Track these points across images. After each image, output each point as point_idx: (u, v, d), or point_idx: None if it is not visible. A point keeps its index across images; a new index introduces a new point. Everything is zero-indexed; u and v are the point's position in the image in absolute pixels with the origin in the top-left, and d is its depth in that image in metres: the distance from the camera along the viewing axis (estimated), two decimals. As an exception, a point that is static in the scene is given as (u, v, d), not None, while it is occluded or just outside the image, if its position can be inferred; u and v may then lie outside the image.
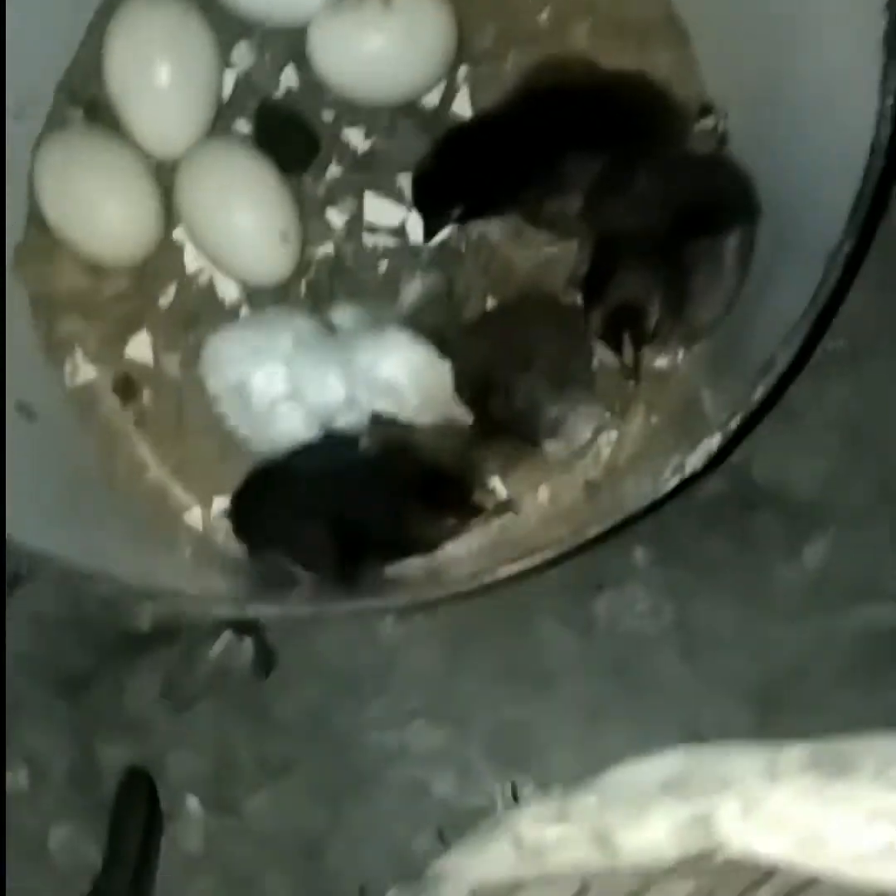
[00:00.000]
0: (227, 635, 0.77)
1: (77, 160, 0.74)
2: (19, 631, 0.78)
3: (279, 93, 0.77)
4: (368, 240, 0.76)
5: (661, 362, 0.75)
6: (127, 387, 0.77)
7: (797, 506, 0.78)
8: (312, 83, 0.75)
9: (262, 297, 0.76)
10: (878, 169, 0.55)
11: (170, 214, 0.76)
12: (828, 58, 0.61)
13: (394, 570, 0.69)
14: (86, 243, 0.75)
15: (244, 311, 0.77)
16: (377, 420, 0.70)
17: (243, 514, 0.73)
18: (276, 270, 0.74)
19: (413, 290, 0.75)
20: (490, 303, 0.75)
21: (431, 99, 0.76)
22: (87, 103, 0.77)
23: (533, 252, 0.75)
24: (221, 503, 0.76)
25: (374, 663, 0.79)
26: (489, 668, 0.78)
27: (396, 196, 0.76)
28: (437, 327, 0.73)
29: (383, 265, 0.76)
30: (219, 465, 0.76)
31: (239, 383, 0.71)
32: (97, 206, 0.74)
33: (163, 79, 0.73)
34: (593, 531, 0.57)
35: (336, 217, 0.76)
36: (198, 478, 0.76)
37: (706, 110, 0.74)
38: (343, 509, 0.68)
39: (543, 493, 0.74)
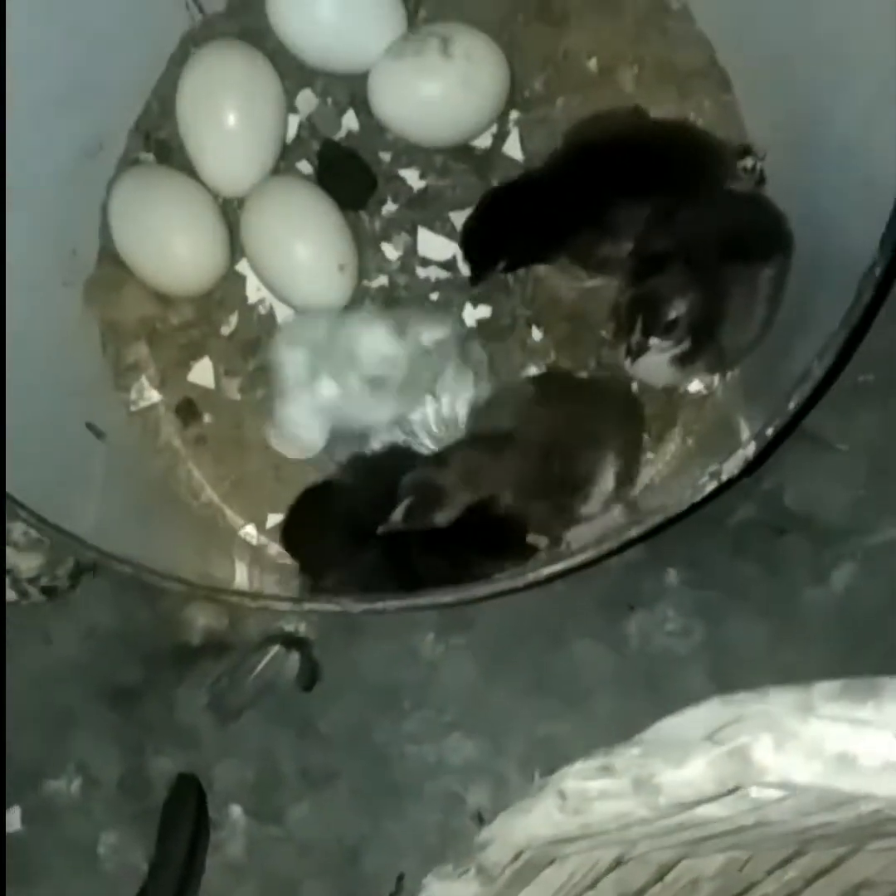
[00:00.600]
0: (274, 649, 0.79)
1: (149, 197, 0.79)
2: (74, 643, 0.82)
3: (340, 135, 0.81)
4: (421, 272, 0.80)
5: (698, 387, 0.78)
6: (188, 410, 0.81)
7: (826, 531, 0.80)
8: (371, 126, 0.80)
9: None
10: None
11: (234, 248, 0.80)
12: (859, 102, 0.64)
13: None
14: (155, 275, 0.79)
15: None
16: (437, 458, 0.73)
17: (297, 531, 0.76)
18: (333, 300, 0.78)
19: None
20: (535, 332, 0.79)
21: (484, 141, 0.80)
22: (159, 144, 0.82)
23: (577, 284, 0.79)
24: (275, 520, 0.79)
25: (413, 678, 0.81)
26: (524, 684, 0.80)
27: (448, 232, 0.80)
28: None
29: (435, 296, 0.80)
30: (273, 484, 0.79)
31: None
32: (167, 241, 0.78)
33: (231, 122, 0.77)
34: (635, 531, 0.59)
35: (391, 251, 0.80)
36: (253, 496, 0.80)
37: (746, 151, 0.77)
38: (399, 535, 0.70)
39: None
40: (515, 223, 0.74)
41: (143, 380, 0.81)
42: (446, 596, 0.61)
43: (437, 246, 0.80)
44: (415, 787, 0.79)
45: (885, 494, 0.80)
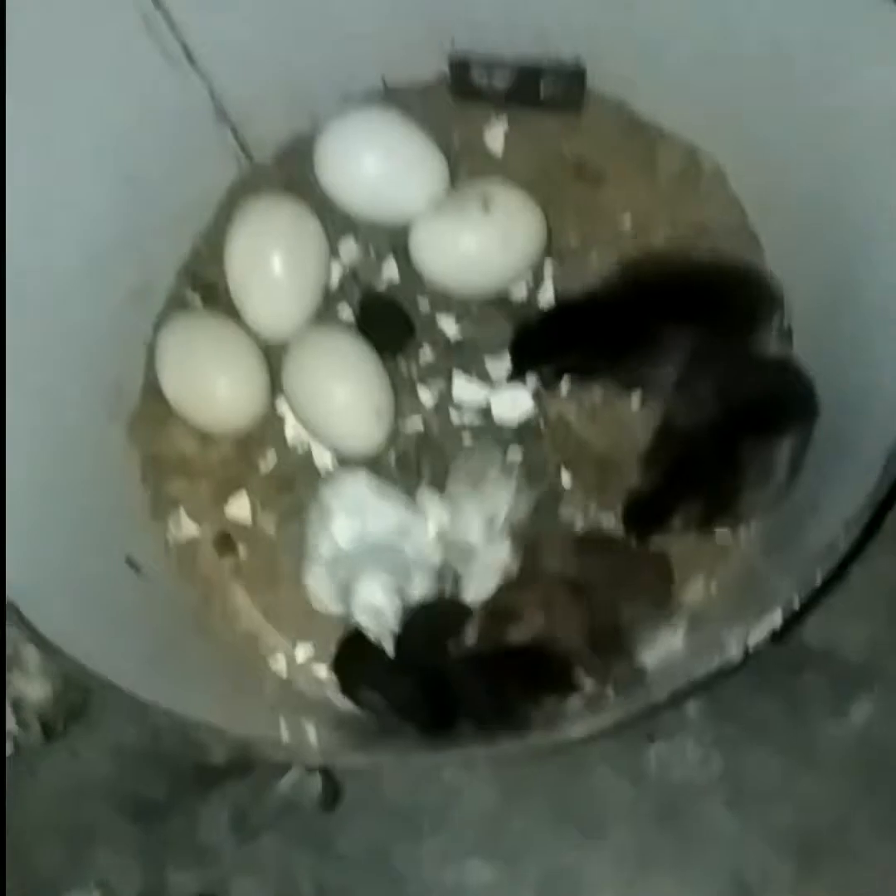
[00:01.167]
0: (296, 770, 0.80)
1: (195, 340, 0.81)
2: (100, 760, 0.83)
3: (380, 283, 0.84)
4: (455, 416, 0.82)
5: (722, 535, 0.79)
6: (225, 542, 0.83)
7: (844, 667, 0.81)
8: (411, 275, 0.82)
9: (355, 466, 0.81)
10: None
11: (274, 388, 0.82)
12: (887, 278, 0.66)
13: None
14: (197, 414, 0.82)
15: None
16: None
17: (348, 663, 0.76)
18: (369, 443, 0.80)
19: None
20: (564, 476, 0.81)
21: (519, 290, 0.82)
22: (206, 286, 0.84)
23: (606, 431, 0.80)
24: (306, 650, 0.80)
25: (434, 802, 0.82)
26: (543, 812, 0.81)
27: (483, 378, 0.82)
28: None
29: (467, 439, 0.82)
30: (306, 615, 0.80)
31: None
32: (210, 383, 0.81)
33: (277, 271, 0.80)
34: (663, 694, 0.60)
35: (426, 395, 0.82)
36: (286, 627, 0.81)
37: (777, 301, 0.78)
38: (446, 675, 0.71)
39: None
40: (568, 333, 0.77)
41: (182, 512, 0.83)
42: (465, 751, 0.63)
43: (471, 391, 0.82)
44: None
45: (903, 630, 0.82)
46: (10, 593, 0.62)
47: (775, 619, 0.60)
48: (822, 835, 0.79)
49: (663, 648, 0.72)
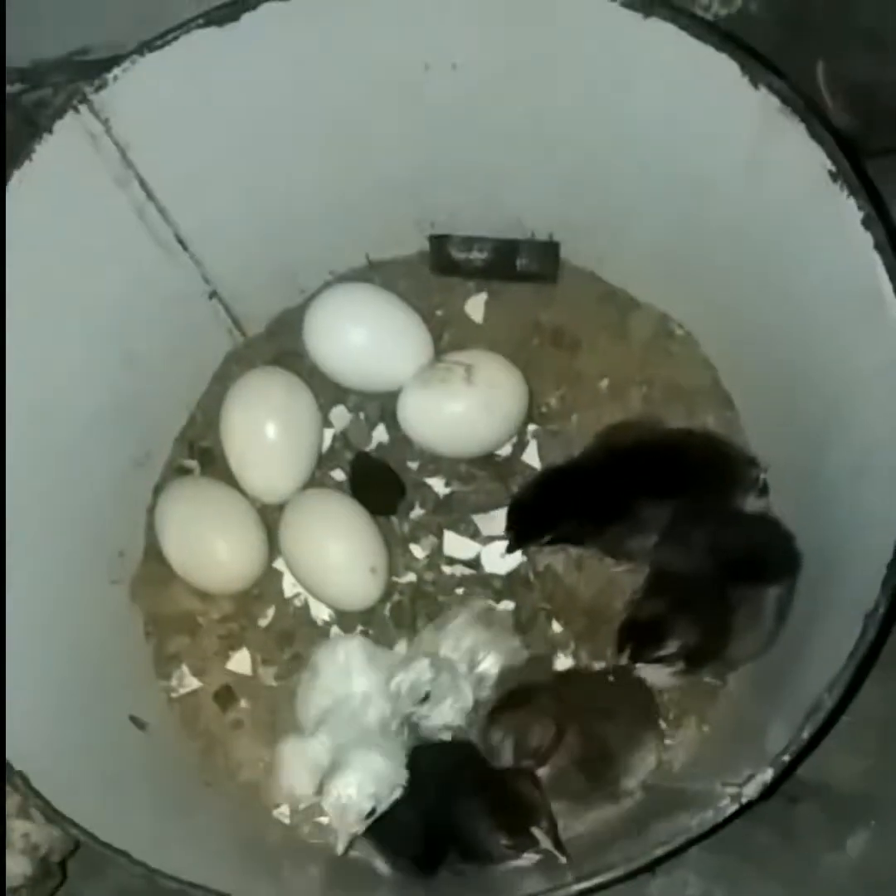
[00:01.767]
0: None
1: (194, 505, 0.85)
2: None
3: (371, 446, 0.87)
4: (447, 570, 0.85)
5: (712, 678, 0.81)
6: (227, 696, 0.85)
7: (839, 799, 0.83)
8: (400, 438, 0.86)
9: (352, 619, 0.85)
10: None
11: (272, 547, 0.85)
12: (861, 430, 0.69)
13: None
14: (197, 575, 0.85)
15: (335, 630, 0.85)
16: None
17: None
18: (365, 598, 0.83)
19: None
20: (555, 625, 0.83)
21: (504, 450, 0.86)
22: (203, 452, 0.88)
23: (593, 581, 0.84)
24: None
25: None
26: None
27: (472, 533, 0.85)
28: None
29: (459, 591, 0.85)
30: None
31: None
32: (209, 545, 0.84)
33: (271, 437, 0.84)
34: (657, 853, 0.63)
35: (419, 551, 0.86)
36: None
37: (750, 463, 0.83)
38: (434, 812, 0.74)
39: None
40: (560, 506, 0.80)
41: (184, 668, 0.85)
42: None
43: (461, 546, 0.85)
44: None
45: (893, 763, 0.83)
46: (17, 761, 0.64)
47: (767, 776, 0.63)
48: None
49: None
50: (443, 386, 0.82)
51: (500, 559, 0.84)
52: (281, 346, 0.88)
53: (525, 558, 0.85)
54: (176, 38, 0.68)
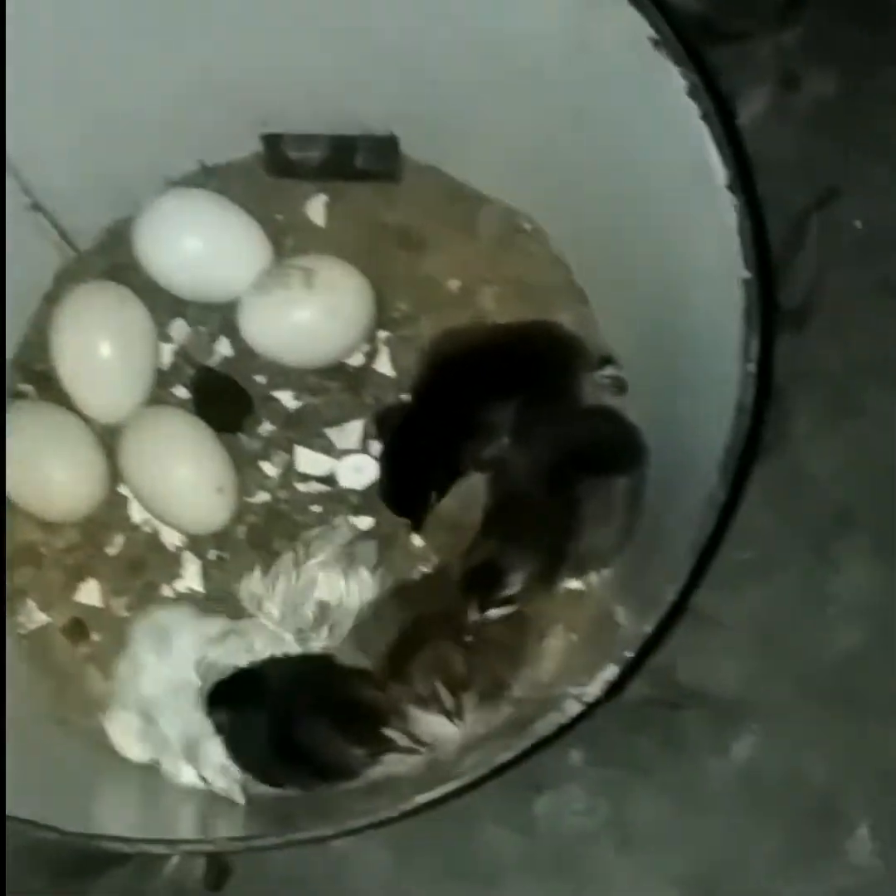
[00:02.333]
0: (179, 853, 0.78)
1: (28, 430, 0.80)
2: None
3: (214, 361, 0.84)
4: (301, 487, 0.82)
5: (575, 583, 0.79)
6: (77, 630, 0.81)
7: (721, 705, 0.82)
8: (244, 351, 0.82)
9: (204, 543, 0.82)
10: (745, 427, 0.60)
11: (115, 472, 0.82)
12: (704, 322, 0.67)
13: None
14: (38, 503, 0.81)
15: (188, 555, 0.82)
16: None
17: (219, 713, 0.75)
18: (214, 520, 0.80)
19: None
20: (416, 539, 0.81)
21: (355, 359, 0.83)
22: (38, 375, 0.83)
23: (455, 494, 0.79)
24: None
25: (325, 871, 0.81)
26: (436, 871, 0.81)
27: (325, 448, 0.82)
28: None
29: (316, 508, 0.82)
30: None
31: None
32: (47, 470, 0.80)
33: (105, 355, 0.80)
34: (500, 759, 0.61)
35: (270, 469, 0.82)
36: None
37: (606, 361, 0.81)
38: (289, 728, 0.71)
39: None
40: (419, 464, 0.77)
41: (30, 603, 0.82)
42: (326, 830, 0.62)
43: (314, 461, 0.82)
44: None
45: (775, 665, 0.83)
46: None
47: (610, 673, 0.61)
48: (716, 874, 0.80)
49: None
50: (282, 292, 0.78)
51: (355, 473, 0.82)
52: (114, 259, 0.84)
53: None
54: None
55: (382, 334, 0.83)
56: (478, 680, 0.72)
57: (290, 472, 0.82)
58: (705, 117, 0.61)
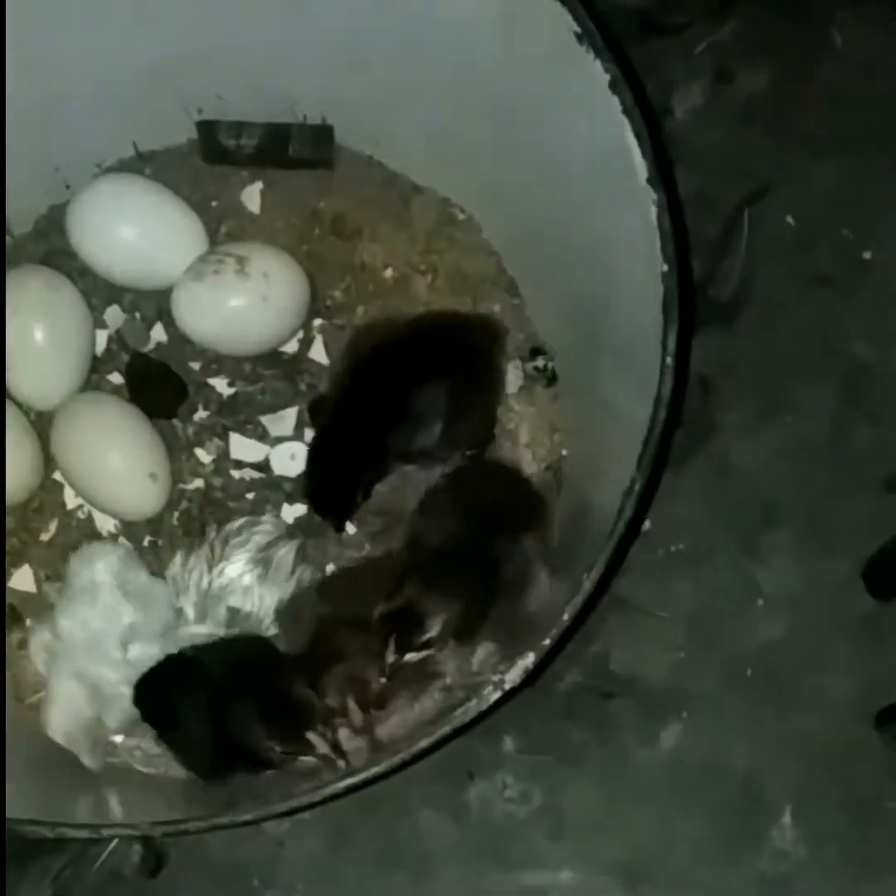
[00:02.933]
0: (115, 839, 0.79)
1: (-41, 414, 0.80)
2: None
3: (149, 347, 0.84)
4: (236, 474, 0.83)
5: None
6: (10, 615, 0.81)
7: (651, 693, 0.84)
8: (180, 339, 0.83)
9: (138, 529, 0.82)
10: (662, 419, 0.61)
11: (49, 458, 0.82)
12: (627, 314, 0.68)
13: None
14: (-32, 489, 0.80)
15: (122, 541, 0.82)
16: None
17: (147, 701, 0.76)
18: (147, 506, 0.80)
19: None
20: (349, 527, 0.81)
21: (291, 346, 0.84)
22: (-28, 361, 0.83)
23: (386, 481, 0.80)
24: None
25: (261, 856, 0.82)
26: (371, 857, 0.82)
27: (259, 435, 0.83)
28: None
29: (250, 495, 0.82)
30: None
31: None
32: (-24, 456, 0.80)
33: (38, 340, 0.80)
34: (421, 745, 0.62)
35: (204, 455, 0.83)
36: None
37: (537, 351, 0.83)
38: (221, 715, 0.71)
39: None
40: (344, 465, 0.77)
41: (-38, 591, 0.82)
42: (247, 815, 0.62)
43: (249, 448, 0.83)
44: None
45: (704, 656, 0.84)
46: None
47: (528, 661, 0.62)
48: (644, 859, 0.82)
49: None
50: (215, 278, 0.78)
51: (289, 460, 0.82)
52: (50, 245, 0.84)
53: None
54: None
55: (317, 322, 0.84)
56: (394, 694, 0.72)
57: (224, 459, 0.83)
58: (626, 111, 0.61)
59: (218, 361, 0.83)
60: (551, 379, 0.82)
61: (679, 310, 0.61)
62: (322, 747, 0.68)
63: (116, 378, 0.84)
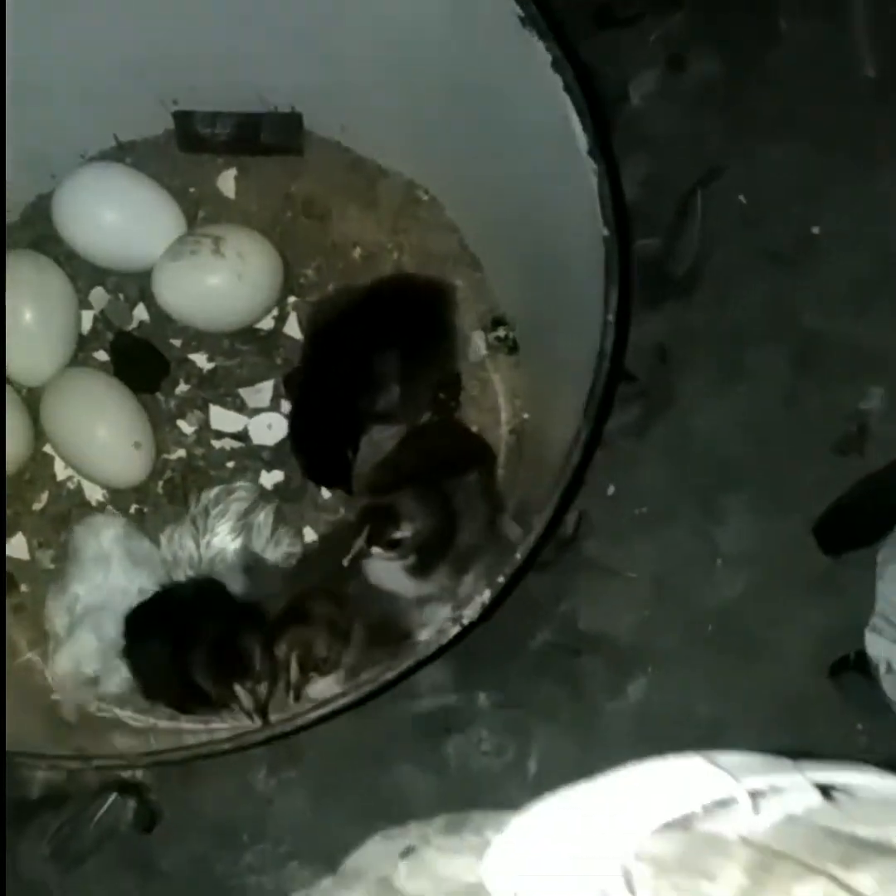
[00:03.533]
0: (111, 797, 0.84)
1: (-46, 392, 0.84)
2: None
3: (132, 326, 0.88)
4: (216, 443, 0.87)
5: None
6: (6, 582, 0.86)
7: (619, 650, 0.88)
8: (161, 316, 0.87)
9: (125, 497, 0.86)
10: (605, 370, 0.66)
11: (39, 432, 0.86)
12: (576, 281, 0.72)
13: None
14: (-38, 462, 0.85)
15: (110, 509, 0.87)
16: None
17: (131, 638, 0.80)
18: (133, 475, 0.85)
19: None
20: (324, 492, 0.86)
21: (267, 323, 0.88)
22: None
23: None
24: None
25: (249, 813, 0.86)
26: (354, 810, 0.85)
27: (238, 407, 0.87)
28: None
29: (231, 464, 0.87)
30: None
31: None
32: (-31, 430, 0.84)
33: (27, 319, 0.84)
34: (387, 676, 0.66)
35: (186, 426, 0.87)
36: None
37: (498, 322, 0.87)
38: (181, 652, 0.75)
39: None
40: (326, 435, 0.82)
41: (-41, 558, 0.86)
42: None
43: (229, 419, 0.87)
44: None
45: (667, 613, 0.88)
46: None
47: (485, 597, 0.66)
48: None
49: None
50: (192, 258, 0.83)
51: (267, 430, 0.87)
52: (37, 232, 0.88)
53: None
54: None
55: (291, 300, 0.88)
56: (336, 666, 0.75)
57: (205, 430, 0.87)
58: (567, 88, 0.66)
59: (198, 338, 0.88)
60: (512, 348, 0.86)
61: (619, 271, 0.66)
62: (245, 701, 0.71)
63: (102, 355, 0.88)
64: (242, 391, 0.87)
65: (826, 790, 0.32)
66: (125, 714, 0.82)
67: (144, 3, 0.78)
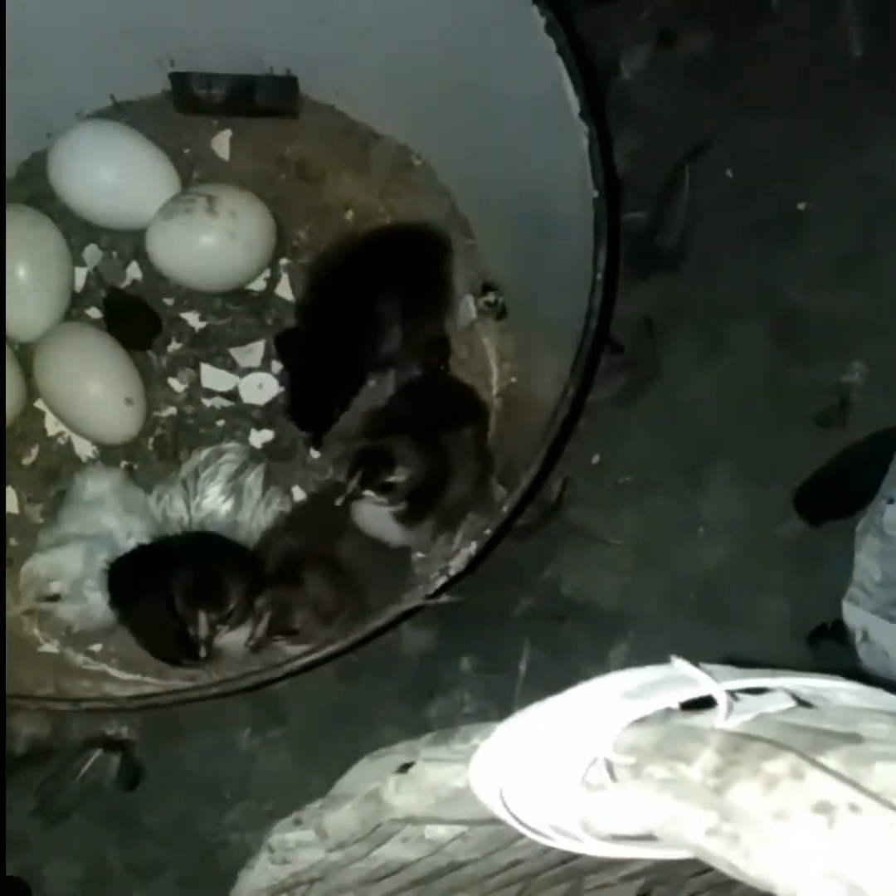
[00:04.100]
0: (96, 753, 0.85)
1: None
2: None
3: (125, 284, 0.89)
4: (207, 402, 0.88)
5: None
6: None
7: (600, 615, 0.89)
8: (154, 274, 0.88)
9: (114, 453, 0.87)
10: (593, 328, 0.67)
11: (31, 387, 0.87)
12: (566, 243, 0.73)
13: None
14: (-49, 414, 0.85)
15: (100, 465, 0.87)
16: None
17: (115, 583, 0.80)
18: (123, 431, 0.86)
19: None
20: (313, 452, 0.87)
21: (259, 284, 0.89)
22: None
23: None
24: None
25: (233, 771, 0.87)
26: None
27: (229, 366, 0.88)
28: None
29: (221, 422, 0.88)
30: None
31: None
32: (-38, 383, 0.84)
33: (21, 275, 0.85)
34: (375, 625, 0.67)
35: (177, 384, 0.88)
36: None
37: (488, 287, 0.88)
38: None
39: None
40: (323, 378, 0.83)
41: (-52, 510, 0.86)
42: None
43: (219, 378, 0.88)
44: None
45: (650, 579, 0.89)
46: None
47: (471, 548, 0.68)
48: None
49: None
50: (186, 216, 0.84)
51: (257, 390, 0.88)
52: (32, 188, 0.89)
53: (283, 388, 0.87)
54: None
55: (283, 261, 0.89)
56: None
57: (196, 388, 0.88)
58: (560, 51, 0.67)
59: (190, 297, 0.88)
60: (501, 312, 0.87)
61: (608, 230, 0.67)
62: (202, 629, 0.72)
63: (95, 312, 0.89)
64: (233, 351, 0.88)
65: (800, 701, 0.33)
66: (112, 651, 0.83)
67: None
